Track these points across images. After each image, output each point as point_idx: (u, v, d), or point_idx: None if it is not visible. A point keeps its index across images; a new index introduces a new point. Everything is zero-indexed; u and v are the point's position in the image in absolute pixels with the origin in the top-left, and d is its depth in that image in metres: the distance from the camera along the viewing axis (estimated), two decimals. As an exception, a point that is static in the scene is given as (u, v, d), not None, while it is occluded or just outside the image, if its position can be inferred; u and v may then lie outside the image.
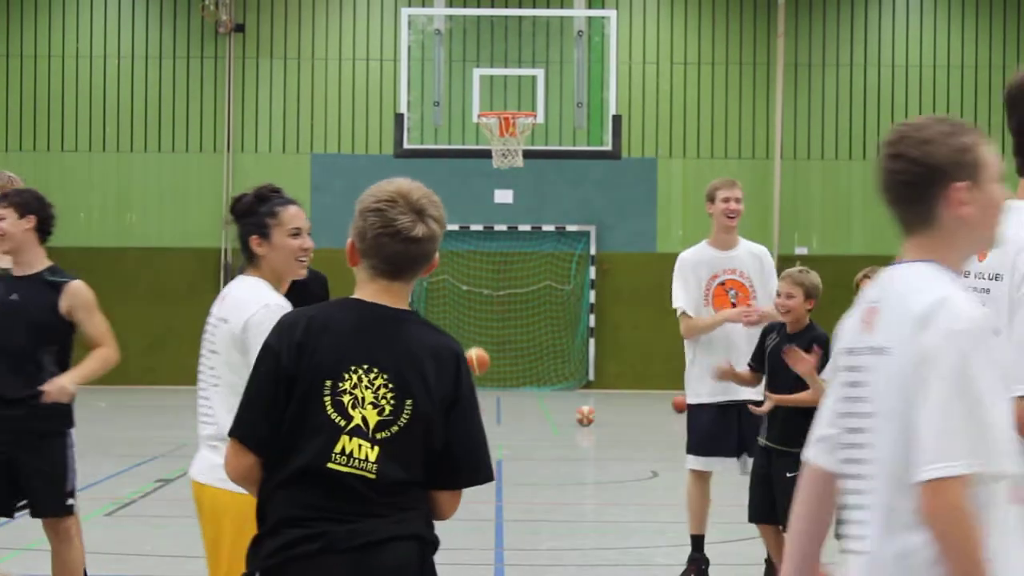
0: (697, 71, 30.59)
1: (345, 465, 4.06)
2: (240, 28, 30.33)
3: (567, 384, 29.85)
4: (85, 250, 30.09)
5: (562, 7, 28.49)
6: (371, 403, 4.10)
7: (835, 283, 30.62)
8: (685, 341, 10.05)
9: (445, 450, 4.19)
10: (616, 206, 30.13)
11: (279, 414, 4.10)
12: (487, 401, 26.95)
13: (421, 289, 30.14)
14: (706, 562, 9.85)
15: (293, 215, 6.03)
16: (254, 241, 5.94)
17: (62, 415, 8.17)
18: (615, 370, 29.79)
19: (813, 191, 30.51)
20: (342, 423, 4.08)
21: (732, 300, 9.89)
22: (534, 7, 29.89)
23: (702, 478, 9.87)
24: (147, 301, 29.82)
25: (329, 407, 4.09)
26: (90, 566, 10.49)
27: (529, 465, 16.80)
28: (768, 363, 8.88)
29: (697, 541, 9.92)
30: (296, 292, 9.21)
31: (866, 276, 9.16)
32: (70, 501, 8.09)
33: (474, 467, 4.28)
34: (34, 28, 30.45)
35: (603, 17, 24.52)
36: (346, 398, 4.10)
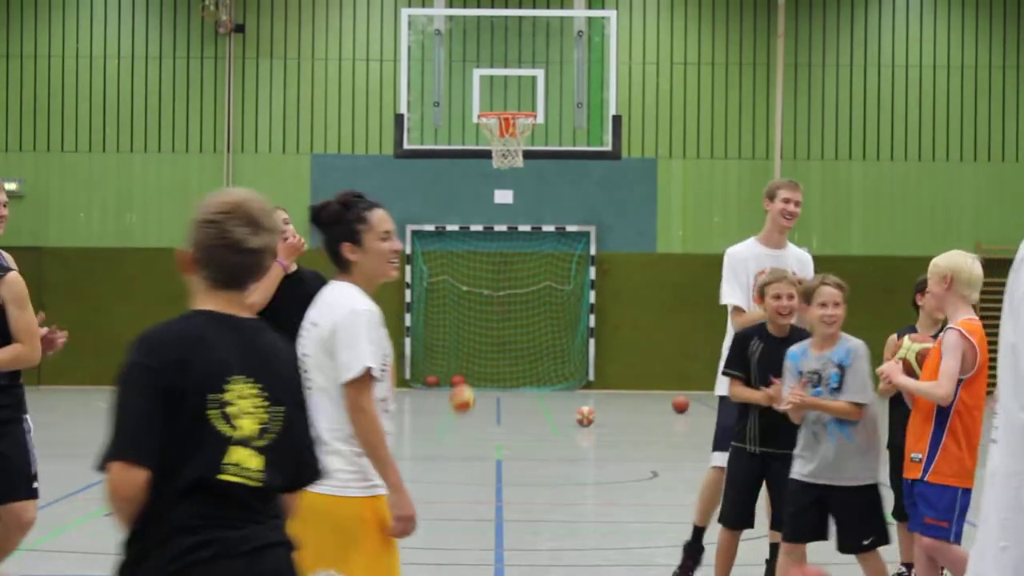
0: (697, 71, 30.59)
1: (235, 475, 4.14)
2: (240, 28, 30.33)
3: (567, 384, 29.85)
4: (85, 250, 30.10)
5: (562, 7, 28.49)
6: (250, 413, 4.20)
7: (835, 283, 30.45)
8: (727, 335, 9.92)
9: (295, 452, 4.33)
10: (616, 206, 30.13)
11: (162, 430, 4.14)
12: (488, 401, 26.99)
13: (421, 289, 30.15)
14: (702, 551, 9.91)
15: (381, 218, 6.00)
16: (346, 248, 5.96)
17: (15, 402, 8.18)
18: (615, 370, 29.78)
19: (813, 191, 30.49)
20: (230, 434, 4.16)
21: None
22: (534, 7, 29.88)
23: (722, 474, 9.75)
24: (147, 301, 29.80)
25: (217, 419, 4.16)
26: (90, 566, 10.50)
27: (529, 465, 16.80)
28: (758, 370, 8.77)
29: (698, 532, 9.94)
30: (292, 290, 9.22)
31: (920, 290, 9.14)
32: (35, 484, 8.14)
33: (314, 466, 4.38)
34: (34, 28, 30.45)
35: (603, 17, 24.53)
36: (231, 409, 4.18)
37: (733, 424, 9.07)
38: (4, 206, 8.53)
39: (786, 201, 10.10)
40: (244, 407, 4.20)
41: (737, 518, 8.97)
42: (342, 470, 5.65)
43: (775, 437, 8.72)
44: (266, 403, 4.22)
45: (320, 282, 9.43)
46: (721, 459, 9.76)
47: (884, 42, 30.74)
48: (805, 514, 8.31)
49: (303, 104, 30.47)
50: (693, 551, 9.95)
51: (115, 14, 30.56)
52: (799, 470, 8.32)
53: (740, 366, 8.90)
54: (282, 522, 4.24)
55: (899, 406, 9.59)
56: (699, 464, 17.49)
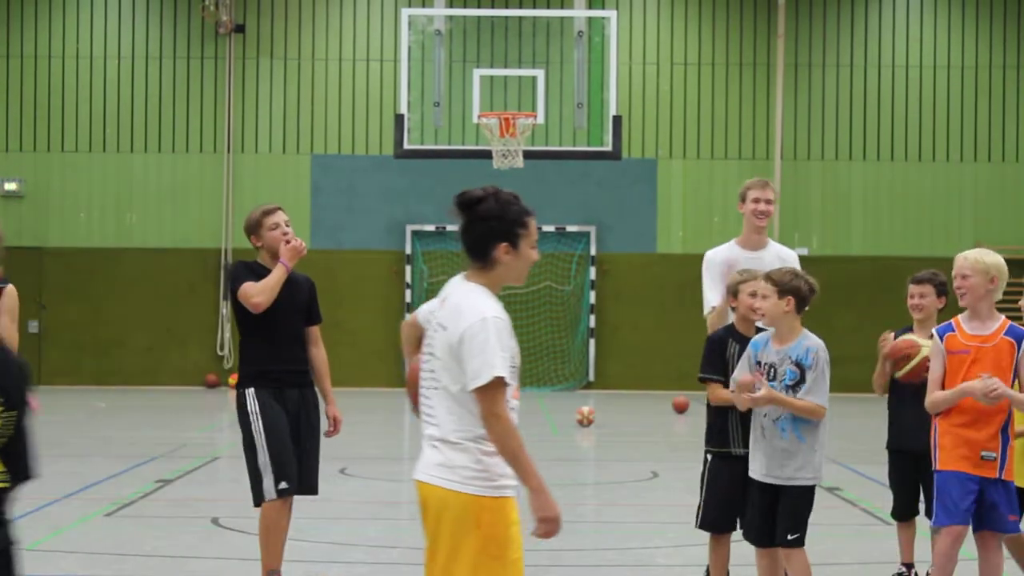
0: (697, 72, 30.58)
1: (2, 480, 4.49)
2: (240, 28, 30.32)
3: (567, 384, 29.84)
4: (85, 250, 30.09)
5: (562, 7, 28.49)
6: None
7: (835, 283, 30.75)
8: None
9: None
10: (616, 207, 30.12)
11: None
12: (487, 401, 26.97)
13: (421, 290, 30.15)
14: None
15: (534, 226, 5.95)
16: (502, 248, 5.85)
17: None
18: (615, 370, 29.78)
19: (813, 191, 30.50)
20: None
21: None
22: (534, 7, 29.88)
23: None
24: (147, 302, 29.81)
25: None
26: (90, 566, 10.50)
27: (529, 465, 16.76)
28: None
29: None
30: (288, 292, 9.19)
31: None
32: None
33: (31, 467, 4.72)
34: (34, 28, 30.45)
35: (603, 18, 24.51)
36: None
37: (708, 428, 9.03)
38: None
39: (756, 201, 9.98)
40: None
41: (726, 522, 8.95)
42: (466, 467, 5.69)
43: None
44: (3, 409, 4.54)
45: (310, 287, 9.44)
46: None
47: (884, 42, 30.74)
48: (767, 515, 8.26)
49: (303, 104, 30.46)
50: None
51: (115, 14, 30.55)
52: (754, 469, 8.30)
53: (720, 370, 8.83)
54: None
55: (902, 408, 9.57)
56: (699, 464, 17.51)
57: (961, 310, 8.36)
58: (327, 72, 30.50)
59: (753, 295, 8.68)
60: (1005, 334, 8.14)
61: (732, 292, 8.86)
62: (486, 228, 5.83)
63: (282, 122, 30.50)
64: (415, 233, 30.17)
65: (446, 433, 5.64)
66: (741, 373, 8.25)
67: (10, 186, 29.93)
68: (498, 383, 5.57)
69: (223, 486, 13.40)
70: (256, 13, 30.48)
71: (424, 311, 6.07)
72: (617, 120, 23.15)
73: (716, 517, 8.94)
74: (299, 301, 9.24)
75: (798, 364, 8.14)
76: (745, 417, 8.58)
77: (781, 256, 9.94)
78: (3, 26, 30.46)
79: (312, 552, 11.23)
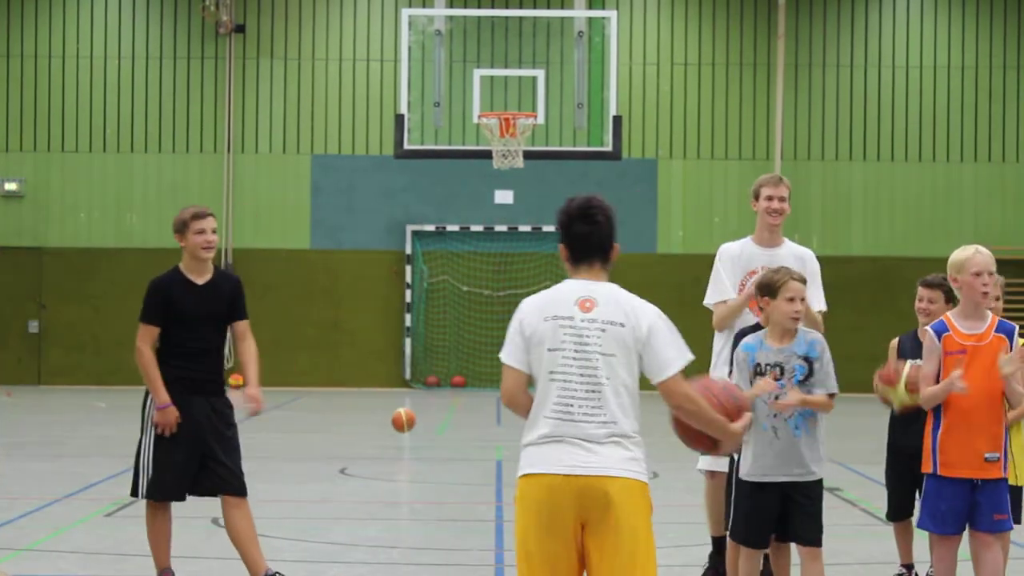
0: (697, 72, 30.58)
1: None
2: (240, 29, 30.32)
3: (567, 385, 29.83)
4: (85, 250, 30.09)
5: (562, 8, 28.48)
6: None
7: (835, 284, 30.60)
8: (715, 335, 9.75)
9: None
10: (616, 207, 29.94)
11: None
12: (487, 401, 27.00)
13: (421, 290, 30.14)
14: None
15: None
16: (615, 249, 6.42)
17: None
18: (615, 371, 29.78)
19: (813, 192, 30.49)
20: None
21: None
22: (534, 8, 29.87)
23: (716, 478, 9.66)
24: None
25: None
26: (90, 566, 10.50)
27: (529, 466, 16.76)
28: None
29: (719, 542, 9.65)
30: (209, 291, 9.35)
31: None
32: None
33: None
34: (34, 29, 30.45)
35: (603, 18, 24.50)
36: None
37: None
38: None
39: (769, 199, 9.84)
40: None
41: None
42: (640, 459, 6.21)
43: None
44: None
45: (233, 288, 9.64)
46: (703, 463, 9.69)
47: (884, 42, 30.74)
48: (767, 515, 8.13)
49: (303, 104, 30.46)
50: (719, 562, 9.63)
51: (115, 14, 30.55)
52: (751, 471, 8.14)
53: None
54: None
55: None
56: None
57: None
58: (327, 72, 30.50)
59: (792, 300, 8.54)
60: (996, 331, 8.10)
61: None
62: (611, 230, 6.39)
63: (282, 122, 30.49)
64: (415, 233, 30.16)
65: (625, 429, 6.21)
66: (742, 379, 8.09)
67: (10, 186, 29.93)
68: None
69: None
70: (256, 13, 30.48)
71: (545, 323, 6.30)
72: (617, 120, 23.14)
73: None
74: (215, 311, 9.41)
75: (806, 358, 8.03)
76: None
77: (797, 254, 9.76)
78: (3, 26, 30.46)
79: (313, 552, 11.22)
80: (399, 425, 19.45)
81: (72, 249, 30.13)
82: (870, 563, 10.77)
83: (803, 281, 8.24)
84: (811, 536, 8.04)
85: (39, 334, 29.98)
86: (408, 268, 30.05)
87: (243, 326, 9.52)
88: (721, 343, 9.68)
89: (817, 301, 9.54)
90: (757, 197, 9.89)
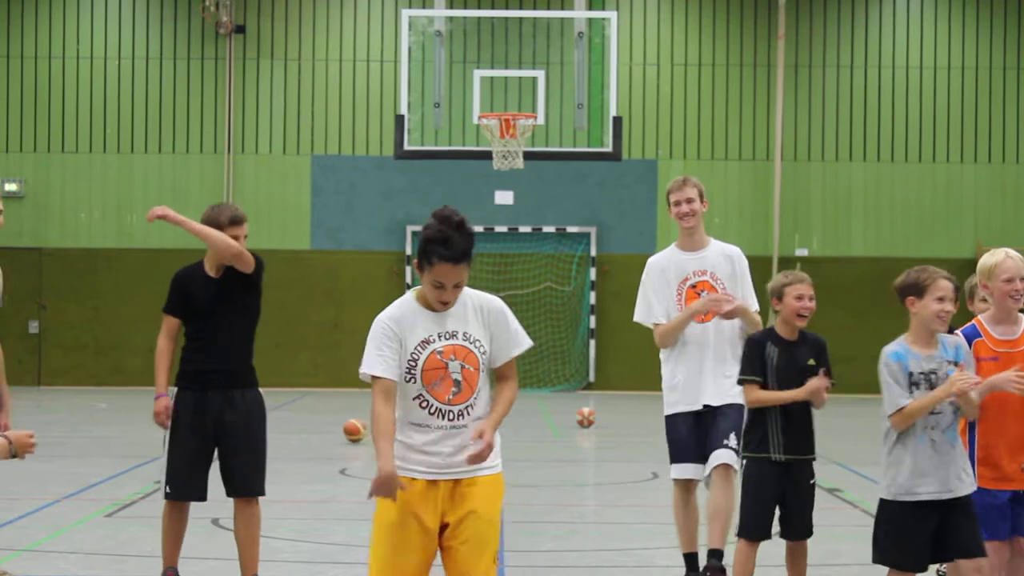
0: (697, 72, 30.59)
1: None
2: (240, 29, 30.33)
3: (567, 385, 29.84)
4: (85, 251, 30.09)
5: (562, 8, 28.49)
6: None
7: (835, 284, 30.70)
8: (662, 352, 9.68)
9: None
10: (616, 207, 30.13)
11: None
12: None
13: (421, 290, 30.17)
14: None
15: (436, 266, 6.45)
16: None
17: None
18: (615, 371, 29.78)
19: (813, 192, 30.50)
20: None
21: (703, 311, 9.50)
22: (534, 8, 29.88)
23: (687, 489, 9.51)
24: (147, 302, 29.77)
25: None
26: (90, 566, 10.50)
27: (529, 466, 16.80)
28: (776, 375, 8.50)
29: (693, 559, 9.54)
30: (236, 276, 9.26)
31: None
32: None
33: None
34: (35, 29, 30.45)
35: (603, 19, 24.50)
36: None
37: (746, 433, 8.68)
38: None
39: (676, 203, 9.74)
40: None
41: (762, 530, 8.59)
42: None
43: (799, 443, 8.49)
44: None
45: (258, 271, 9.63)
46: (676, 471, 9.50)
47: (884, 43, 30.74)
48: (926, 535, 7.57)
49: (303, 105, 30.47)
50: None
51: (115, 15, 30.56)
52: (916, 489, 7.53)
53: (759, 370, 8.53)
54: None
55: None
56: (699, 465, 17.43)
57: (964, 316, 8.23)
58: (327, 73, 30.50)
59: (800, 298, 8.52)
60: None
61: (777, 295, 8.57)
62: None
63: (282, 123, 30.50)
64: (415, 233, 30.17)
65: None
66: (901, 390, 7.53)
67: (10, 186, 29.94)
68: None
69: (223, 487, 13.40)
70: (256, 14, 30.49)
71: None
72: (617, 121, 23.14)
73: (757, 524, 8.56)
74: (240, 301, 9.30)
75: (955, 363, 7.62)
76: (788, 421, 8.43)
77: (726, 253, 9.69)
78: (3, 26, 30.47)
79: (313, 552, 11.23)
80: (352, 432, 19.42)
81: (72, 249, 30.14)
82: (870, 564, 10.77)
83: (952, 280, 7.86)
84: (980, 547, 7.57)
85: (39, 334, 29.98)
86: (408, 268, 30.05)
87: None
88: (664, 357, 9.70)
89: (752, 300, 9.55)
90: (668, 203, 9.82)
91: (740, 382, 8.68)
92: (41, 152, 30.32)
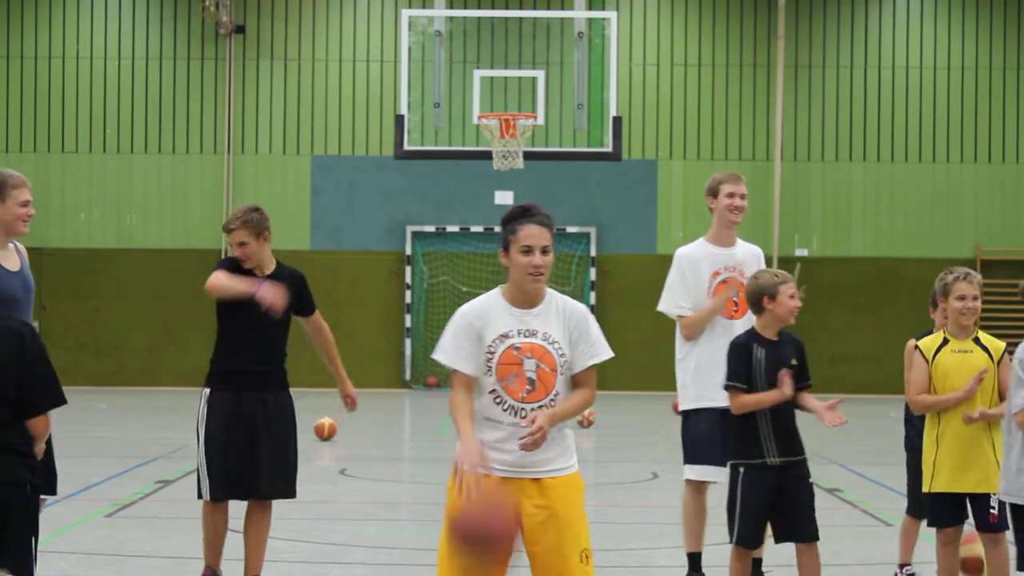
0: (697, 73, 30.59)
1: None
2: (240, 29, 30.33)
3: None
4: (85, 251, 30.10)
5: (562, 9, 28.50)
6: None
7: (835, 284, 30.68)
8: (678, 349, 9.51)
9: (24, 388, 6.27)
10: (616, 207, 30.13)
11: None
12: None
13: (421, 291, 30.15)
14: None
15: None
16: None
17: None
18: (615, 371, 29.77)
19: (813, 192, 30.50)
20: None
21: (734, 299, 9.41)
22: (534, 8, 29.89)
23: (700, 490, 9.39)
24: (147, 302, 29.81)
25: None
26: (90, 567, 10.50)
27: (529, 466, 16.78)
28: (765, 379, 8.33)
29: (696, 560, 9.45)
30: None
31: None
32: None
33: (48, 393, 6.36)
34: (35, 29, 30.46)
35: (603, 19, 24.50)
36: None
37: (737, 439, 8.46)
38: (31, 204, 8.65)
39: (730, 196, 9.63)
40: None
41: (759, 538, 8.47)
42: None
43: (790, 443, 8.37)
44: None
45: (296, 283, 9.44)
46: (695, 472, 9.34)
47: (884, 43, 30.75)
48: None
49: (303, 105, 30.47)
50: None
51: (115, 15, 30.56)
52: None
53: (745, 377, 8.36)
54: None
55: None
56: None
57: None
58: (327, 73, 30.51)
59: (793, 297, 8.37)
60: None
61: (770, 294, 8.37)
62: None
63: (282, 123, 30.51)
64: (415, 234, 30.17)
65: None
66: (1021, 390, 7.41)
67: (10, 187, 29.93)
68: None
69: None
70: (256, 14, 30.49)
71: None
72: (617, 121, 23.14)
73: (753, 533, 8.41)
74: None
75: None
76: (778, 424, 8.30)
77: (753, 252, 9.69)
78: (3, 26, 30.47)
79: (313, 553, 11.23)
80: (320, 433, 19.56)
81: (72, 249, 30.14)
82: (870, 564, 10.77)
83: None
84: None
85: (39, 334, 30.01)
86: (408, 269, 30.06)
87: (315, 320, 9.39)
88: (685, 351, 9.47)
89: None
90: (716, 195, 9.70)
91: (727, 388, 8.42)
92: (41, 152, 30.32)
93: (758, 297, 8.23)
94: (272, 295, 8.93)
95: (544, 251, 6.27)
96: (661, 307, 9.62)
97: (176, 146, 30.44)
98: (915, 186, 30.54)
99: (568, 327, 6.39)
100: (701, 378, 9.36)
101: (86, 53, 30.50)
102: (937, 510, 8.54)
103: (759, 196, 29.64)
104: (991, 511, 8.30)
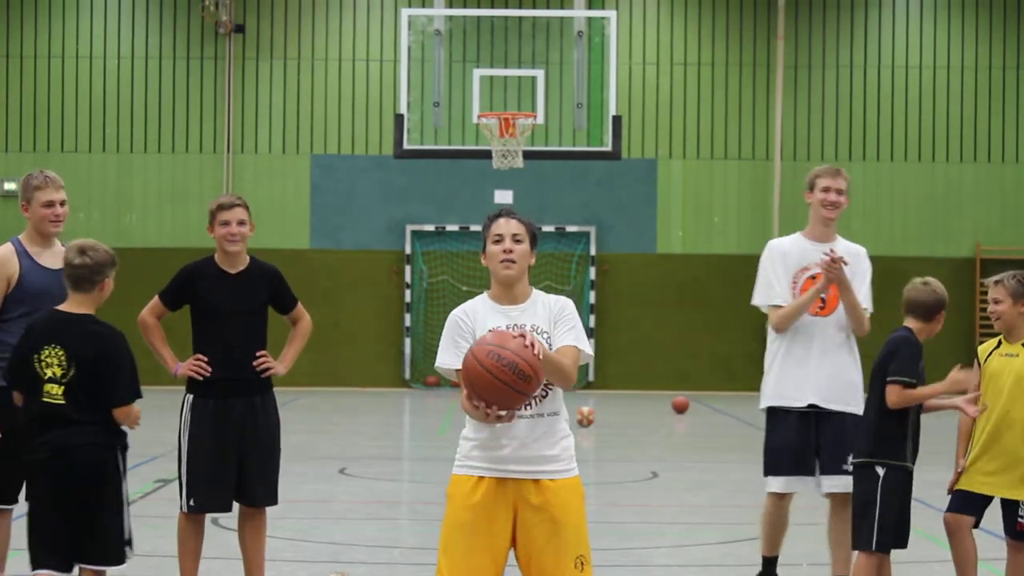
0: (697, 72, 30.59)
1: (48, 398, 7.59)
2: (240, 29, 30.33)
3: (567, 385, 29.84)
4: (85, 250, 30.11)
5: (562, 8, 28.49)
6: (57, 364, 7.68)
7: (835, 284, 30.41)
8: (770, 338, 9.18)
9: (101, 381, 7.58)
10: (616, 207, 30.12)
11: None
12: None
13: (421, 290, 30.15)
14: None
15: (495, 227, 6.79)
16: None
17: None
18: (615, 371, 29.77)
19: (813, 192, 30.51)
20: (44, 375, 7.63)
21: (822, 296, 9.13)
22: (534, 7, 29.89)
23: (784, 500, 9.00)
24: (147, 302, 29.80)
25: (36, 367, 7.62)
26: (90, 567, 10.48)
27: (529, 466, 16.78)
28: (921, 379, 8.26)
29: (770, 564, 9.19)
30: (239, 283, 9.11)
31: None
32: None
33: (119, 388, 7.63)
34: (34, 29, 30.46)
35: (603, 18, 24.51)
36: (43, 363, 7.65)
37: (882, 440, 8.10)
38: (63, 204, 8.67)
39: (826, 190, 9.43)
40: (52, 362, 7.72)
41: (902, 540, 8.25)
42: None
43: (917, 448, 8.20)
44: (64, 360, 7.68)
45: (271, 280, 9.32)
46: (778, 484, 8.96)
47: (884, 43, 30.75)
48: None
49: (303, 104, 30.47)
50: None
51: (115, 14, 30.56)
52: None
53: (916, 373, 8.12)
54: (95, 428, 7.68)
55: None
56: (699, 464, 17.53)
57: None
58: (327, 72, 30.51)
59: (827, 190, 8.27)
60: None
61: (808, 186, 8.29)
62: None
63: (282, 122, 30.51)
64: (414, 233, 30.17)
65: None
66: None
67: (10, 186, 29.94)
68: None
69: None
70: (256, 13, 30.49)
71: None
72: (617, 120, 23.14)
73: (895, 539, 8.18)
74: (254, 303, 9.11)
75: None
76: (918, 426, 8.11)
77: (851, 251, 9.39)
78: (3, 26, 30.47)
79: (313, 552, 11.23)
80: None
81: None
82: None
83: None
84: None
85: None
86: (408, 268, 30.06)
87: (294, 314, 9.20)
88: (778, 344, 9.12)
89: (864, 300, 9.19)
90: (812, 188, 9.48)
91: (895, 382, 8.12)
92: (41, 152, 30.32)
93: (937, 310, 8.22)
94: (188, 369, 9.00)
95: (516, 239, 6.44)
96: (755, 301, 9.32)
97: (176, 145, 30.44)
98: (915, 185, 30.55)
99: (552, 314, 6.50)
100: (783, 376, 9.02)
101: (86, 53, 30.50)
102: (959, 504, 8.39)
103: (759, 196, 29.62)
104: (1020, 519, 8.25)
